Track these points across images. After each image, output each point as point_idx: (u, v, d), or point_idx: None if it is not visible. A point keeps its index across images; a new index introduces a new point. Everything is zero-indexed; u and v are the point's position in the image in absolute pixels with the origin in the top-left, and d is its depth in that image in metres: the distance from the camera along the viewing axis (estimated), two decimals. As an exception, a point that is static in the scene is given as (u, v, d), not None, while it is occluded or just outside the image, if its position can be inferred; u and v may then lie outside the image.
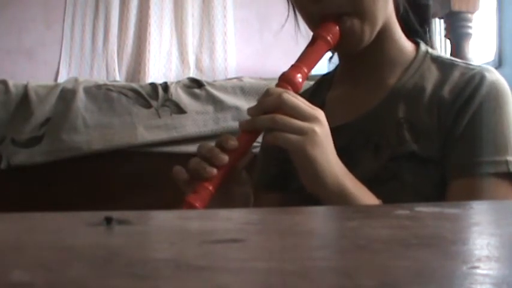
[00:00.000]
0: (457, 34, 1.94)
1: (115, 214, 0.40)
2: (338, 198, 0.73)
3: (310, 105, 0.74)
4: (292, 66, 0.79)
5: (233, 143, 0.74)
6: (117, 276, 0.25)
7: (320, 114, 0.73)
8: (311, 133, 0.71)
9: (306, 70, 0.78)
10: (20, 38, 3.75)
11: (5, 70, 3.36)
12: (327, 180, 0.73)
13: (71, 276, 0.25)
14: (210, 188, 0.73)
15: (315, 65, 0.81)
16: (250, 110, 0.75)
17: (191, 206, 0.72)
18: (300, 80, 0.77)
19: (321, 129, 0.72)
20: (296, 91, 0.76)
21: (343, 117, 0.87)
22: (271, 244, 0.35)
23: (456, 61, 0.87)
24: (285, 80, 0.77)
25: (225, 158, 0.73)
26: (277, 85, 0.77)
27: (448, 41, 2.11)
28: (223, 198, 0.76)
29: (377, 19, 0.82)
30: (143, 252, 0.32)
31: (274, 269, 0.27)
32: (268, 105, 0.73)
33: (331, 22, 0.80)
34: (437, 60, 0.87)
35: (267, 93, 0.74)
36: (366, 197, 0.75)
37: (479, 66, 0.85)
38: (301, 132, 0.71)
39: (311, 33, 0.84)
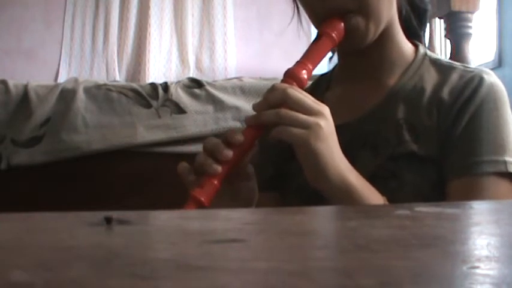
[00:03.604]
0: (457, 34, 1.94)
1: (115, 214, 0.40)
2: (342, 193, 0.73)
3: (315, 100, 0.74)
4: (297, 62, 0.79)
5: (239, 137, 0.74)
6: (117, 276, 0.25)
7: (325, 109, 0.73)
8: (315, 127, 0.71)
9: (310, 66, 0.78)
10: (20, 38, 3.75)
11: (5, 70, 3.36)
12: (330, 174, 0.72)
13: (71, 276, 0.25)
14: (216, 182, 0.73)
15: (319, 61, 0.81)
16: (256, 106, 0.75)
17: (197, 200, 0.71)
18: (305, 76, 0.77)
19: (326, 123, 0.72)
20: (301, 87, 0.76)
21: (342, 116, 0.87)
22: (271, 244, 0.35)
23: (454, 64, 0.88)
24: (290, 75, 0.77)
25: (230, 153, 0.73)
26: (283, 81, 0.77)
27: (448, 41, 2.11)
28: (229, 193, 0.77)
29: (381, 18, 0.82)
30: (143, 252, 0.32)
31: (274, 269, 0.27)
32: (273, 100, 0.73)
33: (336, 19, 0.80)
34: (435, 63, 0.88)
35: (272, 88, 0.74)
36: (370, 193, 0.75)
37: (477, 68, 0.86)
38: (305, 126, 0.71)
39: (312, 32, 0.84)
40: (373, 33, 0.83)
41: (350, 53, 0.90)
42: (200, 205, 0.71)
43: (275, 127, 0.72)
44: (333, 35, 0.80)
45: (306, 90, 0.95)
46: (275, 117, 0.72)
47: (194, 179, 0.74)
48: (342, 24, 0.80)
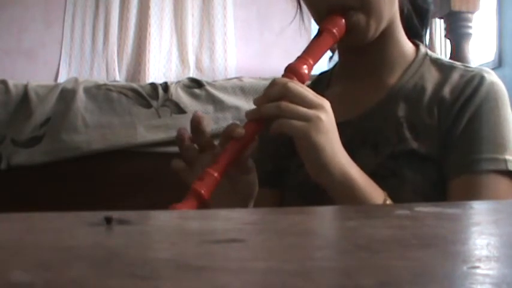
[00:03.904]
0: (457, 34, 1.94)
1: (115, 214, 0.40)
2: (343, 187, 0.73)
3: (315, 94, 0.74)
4: (298, 57, 0.79)
5: (240, 131, 0.74)
6: (117, 276, 0.25)
7: (325, 102, 0.73)
8: (316, 120, 0.71)
9: (311, 62, 0.78)
10: (20, 38, 3.76)
11: (5, 70, 3.37)
12: (331, 168, 0.72)
13: (71, 276, 0.25)
14: (216, 174, 0.72)
15: (320, 56, 0.81)
16: (256, 100, 0.75)
17: (197, 193, 0.71)
18: (306, 71, 0.77)
19: (326, 116, 0.72)
20: (302, 82, 0.76)
21: (342, 114, 0.87)
22: (271, 244, 0.35)
23: (455, 63, 0.89)
24: (291, 70, 0.77)
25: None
26: (283, 76, 0.77)
27: (448, 41, 2.12)
28: (229, 186, 0.77)
29: (383, 16, 0.82)
30: (143, 252, 0.32)
31: (274, 269, 0.27)
32: (274, 93, 0.73)
33: (338, 15, 0.80)
34: (436, 62, 0.88)
35: (273, 82, 0.74)
36: (371, 187, 0.75)
37: (477, 68, 0.87)
38: (306, 118, 0.71)
39: (312, 31, 0.85)
40: (374, 31, 0.83)
41: (351, 51, 0.90)
42: (200, 197, 0.71)
43: (276, 120, 0.72)
44: (334, 31, 0.80)
45: None
46: (276, 110, 0.72)
47: (185, 167, 0.75)
48: (343, 20, 0.80)
